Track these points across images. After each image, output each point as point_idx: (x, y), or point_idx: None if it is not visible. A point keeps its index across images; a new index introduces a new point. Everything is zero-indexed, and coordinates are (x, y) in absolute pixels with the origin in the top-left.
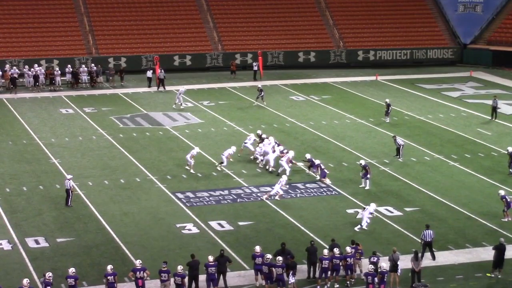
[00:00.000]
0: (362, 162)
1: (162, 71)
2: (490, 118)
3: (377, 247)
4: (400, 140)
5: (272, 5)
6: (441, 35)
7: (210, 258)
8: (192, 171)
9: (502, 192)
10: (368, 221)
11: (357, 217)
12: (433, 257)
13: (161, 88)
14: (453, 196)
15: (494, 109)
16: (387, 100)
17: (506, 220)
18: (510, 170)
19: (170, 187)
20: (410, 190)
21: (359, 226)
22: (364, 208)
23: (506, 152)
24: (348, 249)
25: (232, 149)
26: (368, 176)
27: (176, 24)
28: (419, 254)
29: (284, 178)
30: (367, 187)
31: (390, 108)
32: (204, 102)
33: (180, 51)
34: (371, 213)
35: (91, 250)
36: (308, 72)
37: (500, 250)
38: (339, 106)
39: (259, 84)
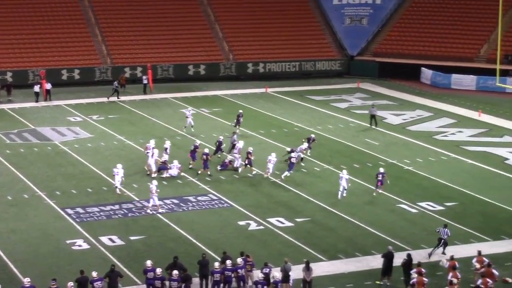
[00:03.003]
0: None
1: (49, 85)
2: (369, 126)
3: (269, 258)
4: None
5: (161, 18)
6: (329, 47)
7: (94, 274)
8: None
9: (381, 170)
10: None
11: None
12: (443, 252)
13: (48, 102)
14: (343, 206)
15: (373, 117)
16: (307, 140)
17: (375, 194)
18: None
19: (59, 203)
20: (300, 200)
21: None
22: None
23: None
24: (239, 260)
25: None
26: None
27: (64, 38)
28: (310, 264)
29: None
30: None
31: (311, 142)
32: (94, 116)
33: (68, 65)
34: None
35: None
36: (198, 85)
37: (388, 257)
38: (229, 119)
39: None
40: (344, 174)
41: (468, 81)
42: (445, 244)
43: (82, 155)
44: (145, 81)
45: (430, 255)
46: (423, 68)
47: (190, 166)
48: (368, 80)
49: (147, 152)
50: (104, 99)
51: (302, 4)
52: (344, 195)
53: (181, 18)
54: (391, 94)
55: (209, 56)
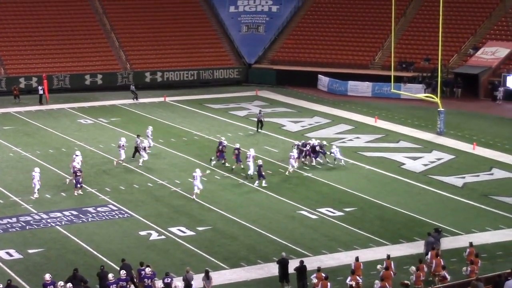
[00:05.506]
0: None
1: None
2: (256, 130)
3: (171, 268)
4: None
5: (56, 27)
6: (227, 55)
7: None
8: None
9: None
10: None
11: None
12: None
13: None
14: (244, 213)
15: (260, 122)
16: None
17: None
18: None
19: None
20: (201, 209)
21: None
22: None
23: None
24: (147, 269)
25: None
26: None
27: None
28: (210, 273)
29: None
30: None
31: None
32: None
33: None
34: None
35: None
36: (96, 95)
37: (282, 264)
38: (128, 128)
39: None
40: (198, 172)
41: (364, 88)
42: None
43: None
44: (41, 92)
45: None
46: (320, 76)
47: (233, 167)
48: (266, 87)
49: (120, 150)
50: None
51: (199, 13)
52: (198, 191)
53: (76, 27)
54: (289, 101)
55: (106, 65)
